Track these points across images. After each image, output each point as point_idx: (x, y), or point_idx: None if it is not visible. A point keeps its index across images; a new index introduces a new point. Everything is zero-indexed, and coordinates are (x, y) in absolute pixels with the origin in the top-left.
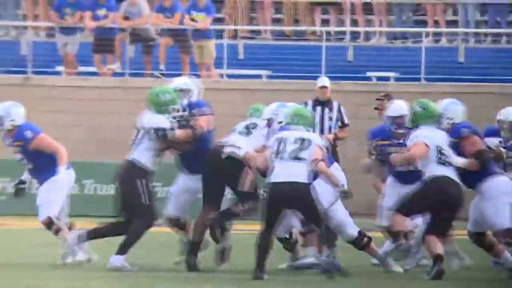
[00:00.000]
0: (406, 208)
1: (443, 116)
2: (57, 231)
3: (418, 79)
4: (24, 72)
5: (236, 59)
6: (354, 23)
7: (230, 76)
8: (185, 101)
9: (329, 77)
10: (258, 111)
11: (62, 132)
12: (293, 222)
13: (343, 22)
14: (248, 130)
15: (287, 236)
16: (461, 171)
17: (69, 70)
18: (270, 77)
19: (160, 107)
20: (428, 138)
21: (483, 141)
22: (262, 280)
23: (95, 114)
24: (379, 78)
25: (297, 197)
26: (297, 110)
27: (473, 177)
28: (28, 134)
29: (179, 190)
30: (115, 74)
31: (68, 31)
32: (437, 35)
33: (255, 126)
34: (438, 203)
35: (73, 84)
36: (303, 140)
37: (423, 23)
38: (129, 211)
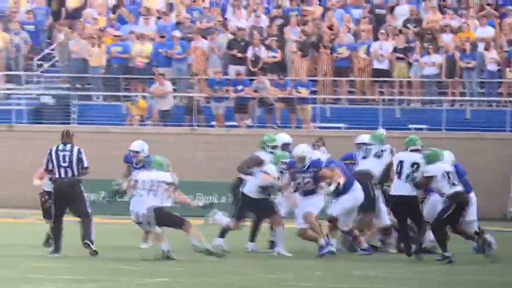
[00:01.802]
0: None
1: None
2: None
3: (441, 129)
4: (191, 126)
5: (325, 117)
6: (400, 93)
7: (321, 128)
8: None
9: (384, 128)
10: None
11: (215, 163)
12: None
13: (393, 93)
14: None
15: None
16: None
17: (219, 124)
18: (346, 128)
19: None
20: None
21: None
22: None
23: (236, 151)
24: (416, 128)
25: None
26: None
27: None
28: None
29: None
30: (248, 126)
31: (218, 99)
32: (453, 101)
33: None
34: None
35: (222, 133)
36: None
37: (444, 94)
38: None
